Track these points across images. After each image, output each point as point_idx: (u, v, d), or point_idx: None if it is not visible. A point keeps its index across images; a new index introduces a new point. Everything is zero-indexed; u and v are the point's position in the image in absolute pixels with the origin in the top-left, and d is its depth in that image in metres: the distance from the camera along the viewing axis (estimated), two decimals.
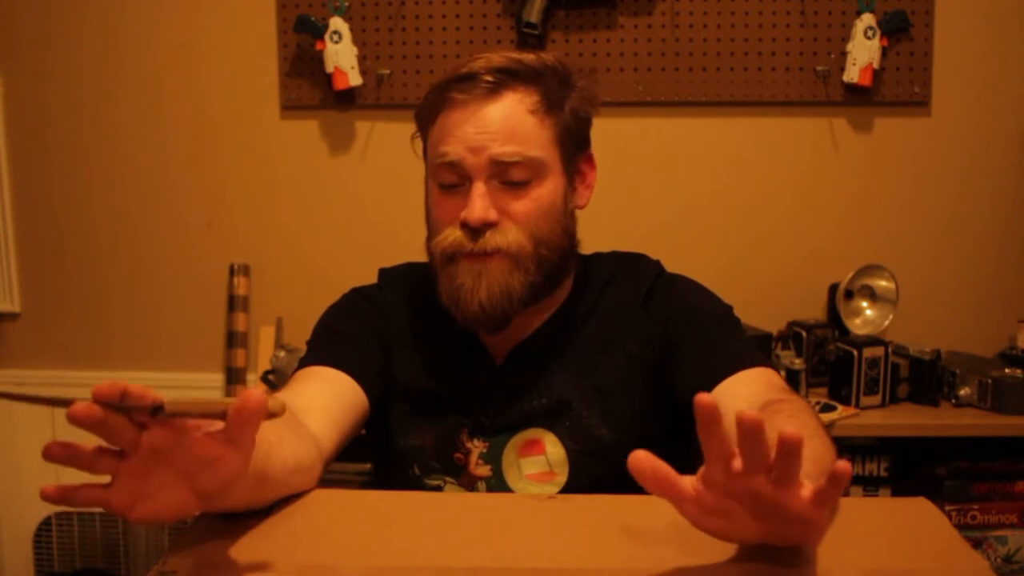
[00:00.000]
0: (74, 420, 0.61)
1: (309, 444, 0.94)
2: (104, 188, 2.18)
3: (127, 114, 2.16)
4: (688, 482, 0.68)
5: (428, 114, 1.10)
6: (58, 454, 0.63)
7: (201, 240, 2.18)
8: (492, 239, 1.05)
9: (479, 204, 1.04)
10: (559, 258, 1.09)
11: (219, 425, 0.66)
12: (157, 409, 0.64)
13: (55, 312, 2.22)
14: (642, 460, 0.67)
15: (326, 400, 1.05)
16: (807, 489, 0.64)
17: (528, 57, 1.09)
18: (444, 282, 1.08)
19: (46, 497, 0.65)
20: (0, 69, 2.17)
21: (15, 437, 2.24)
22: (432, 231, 1.10)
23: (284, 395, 1.03)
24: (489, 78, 1.05)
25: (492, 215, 1.05)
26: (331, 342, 1.14)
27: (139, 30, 2.13)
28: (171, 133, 2.16)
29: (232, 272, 2.15)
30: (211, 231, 2.17)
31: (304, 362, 1.12)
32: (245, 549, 0.79)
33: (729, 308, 1.15)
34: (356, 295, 1.21)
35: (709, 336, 1.10)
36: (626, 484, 1.02)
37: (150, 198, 2.18)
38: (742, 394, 1.01)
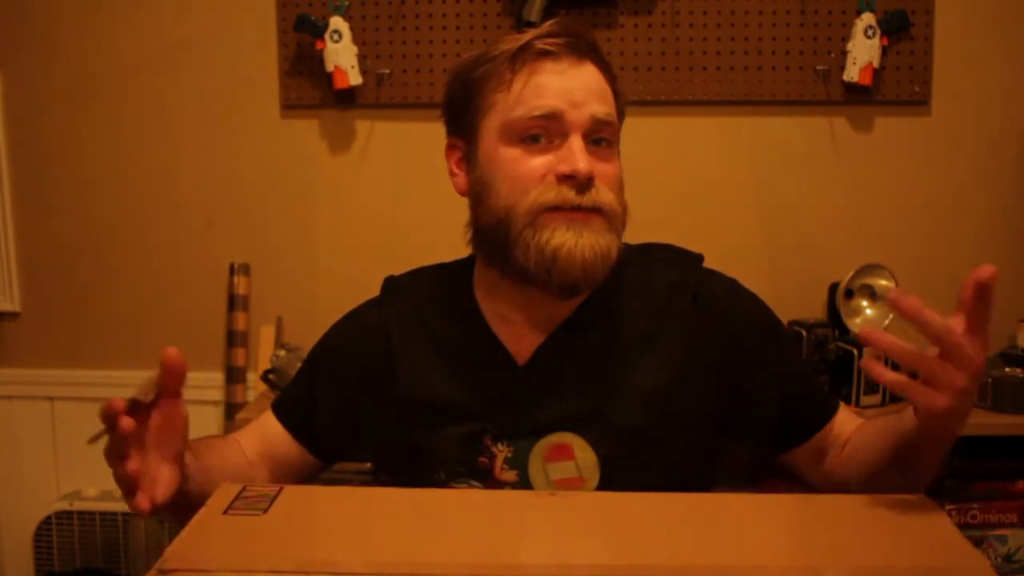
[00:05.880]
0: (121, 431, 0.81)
1: (240, 456, 1.12)
2: (104, 187, 2.18)
3: (127, 113, 2.16)
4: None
5: (504, 72, 1.02)
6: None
7: (201, 239, 2.17)
8: (596, 195, 0.99)
9: (585, 156, 0.99)
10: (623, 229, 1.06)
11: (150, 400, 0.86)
12: (135, 403, 0.84)
13: (55, 312, 2.22)
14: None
15: (262, 452, 1.16)
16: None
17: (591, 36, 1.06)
18: (532, 245, 0.99)
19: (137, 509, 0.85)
20: (0, 69, 2.17)
21: (15, 437, 2.23)
22: (511, 191, 1.01)
23: (241, 433, 1.18)
24: (572, 39, 1.02)
25: (595, 169, 1.00)
26: (294, 397, 1.19)
27: (139, 29, 2.13)
28: (171, 132, 2.16)
29: (232, 271, 2.15)
30: (211, 230, 2.16)
31: (274, 403, 1.19)
32: (245, 548, 0.79)
33: (780, 323, 1.17)
34: (346, 326, 1.18)
35: (795, 381, 1.13)
36: (658, 489, 0.97)
37: (150, 197, 2.18)
38: (852, 422, 1.11)
